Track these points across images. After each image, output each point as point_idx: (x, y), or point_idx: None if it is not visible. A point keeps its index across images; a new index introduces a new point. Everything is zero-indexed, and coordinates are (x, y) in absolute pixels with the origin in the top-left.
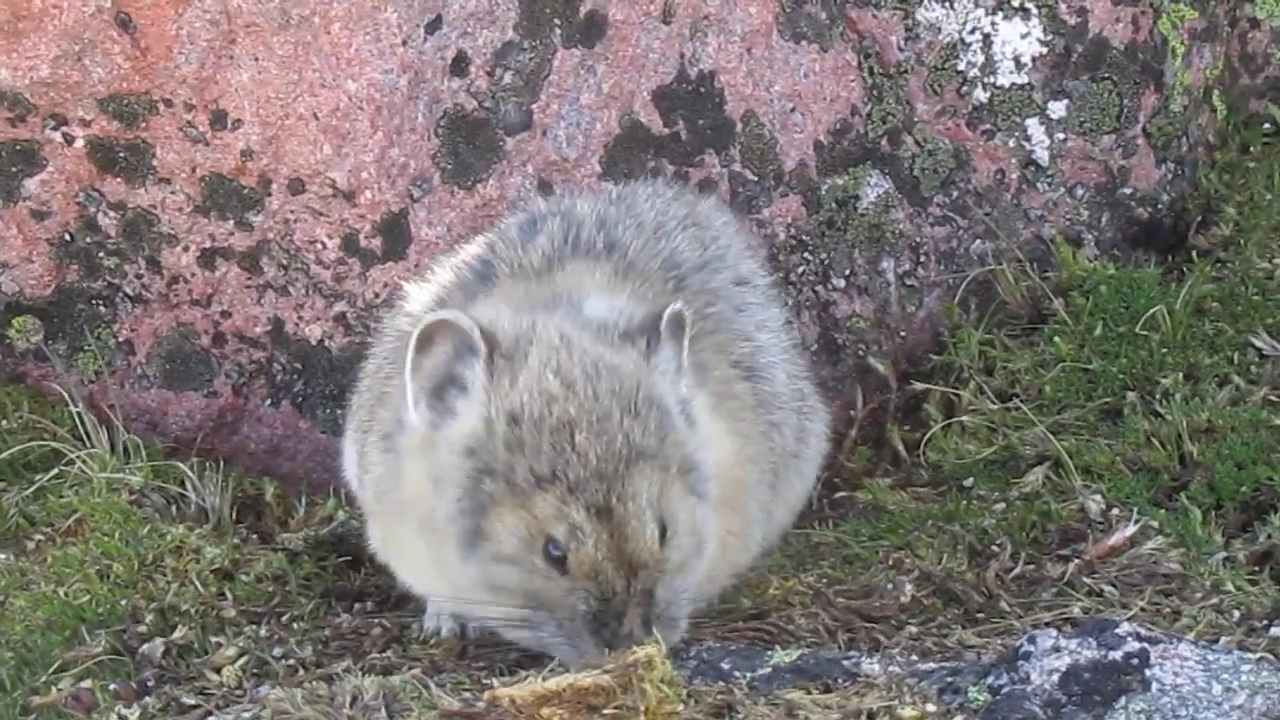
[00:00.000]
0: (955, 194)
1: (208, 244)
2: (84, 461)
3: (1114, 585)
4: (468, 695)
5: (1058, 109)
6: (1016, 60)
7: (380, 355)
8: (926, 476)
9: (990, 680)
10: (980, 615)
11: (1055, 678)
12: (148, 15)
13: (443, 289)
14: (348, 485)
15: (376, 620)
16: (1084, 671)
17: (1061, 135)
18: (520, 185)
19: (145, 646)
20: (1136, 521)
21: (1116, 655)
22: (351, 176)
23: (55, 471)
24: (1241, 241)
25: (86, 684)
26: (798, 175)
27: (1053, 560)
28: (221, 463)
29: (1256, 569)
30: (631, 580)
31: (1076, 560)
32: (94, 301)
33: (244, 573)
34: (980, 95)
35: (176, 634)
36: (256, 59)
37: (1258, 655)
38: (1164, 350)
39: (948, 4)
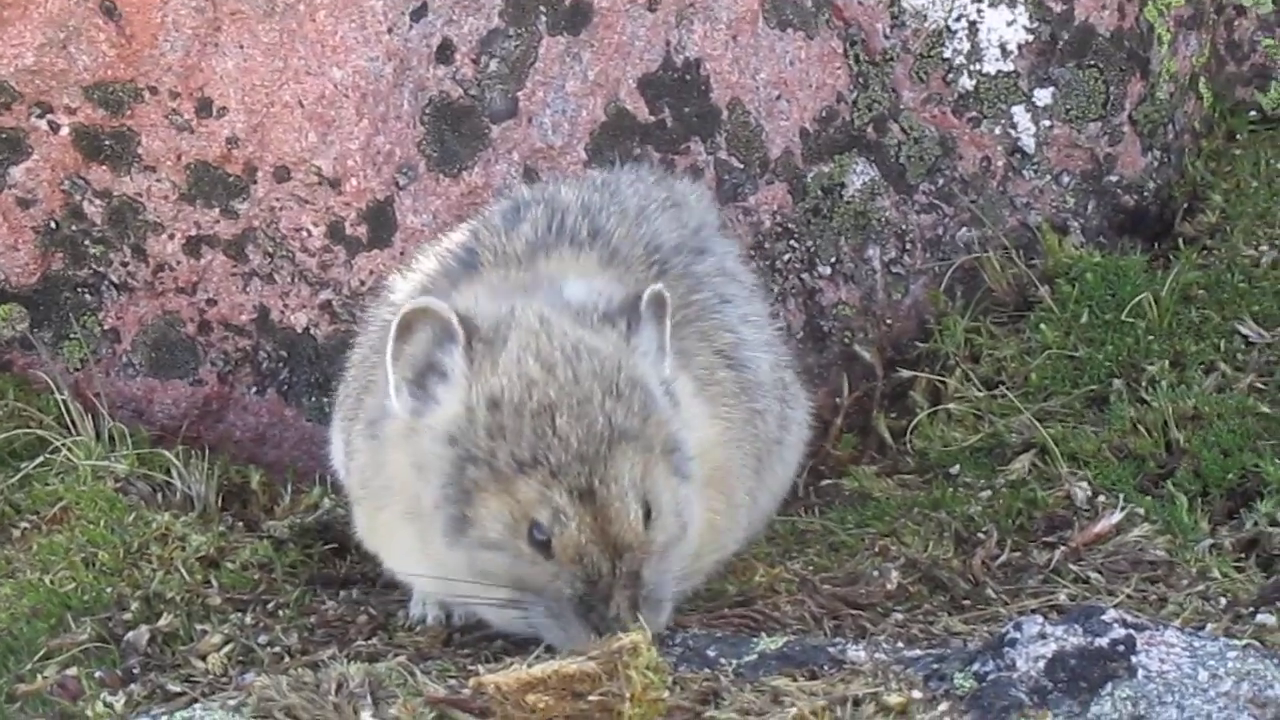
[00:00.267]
0: (941, 181)
1: (193, 232)
2: (69, 449)
3: (1100, 572)
4: (453, 682)
5: (1044, 96)
6: (1002, 47)
7: (366, 344)
8: (912, 464)
9: (976, 667)
10: (966, 602)
11: (1041, 664)
12: (133, 3)
13: (427, 278)
14: (335, 473)
15: (362, 607)
16: (1070, 658)
17: (1047, 123)
18: (506, 173)
19: (130, 634)
20: (1123, 509)
21: (1102, 642)
22: (337, 164)
23: (41, 459)
24: (1228, 229)
25: (72, 671)
26: (783, 163)
27: (1039, 547)
28: (207, 450)
29: (1242, 556)
30: (617, 562)
31: (1063, 547)
32: (79, 289)
33: (229, 560)
34: (966, 83)
35: (162, 621)
36: (242, 46)
37: (1244, 642)
38: (1150, 338)
39: None
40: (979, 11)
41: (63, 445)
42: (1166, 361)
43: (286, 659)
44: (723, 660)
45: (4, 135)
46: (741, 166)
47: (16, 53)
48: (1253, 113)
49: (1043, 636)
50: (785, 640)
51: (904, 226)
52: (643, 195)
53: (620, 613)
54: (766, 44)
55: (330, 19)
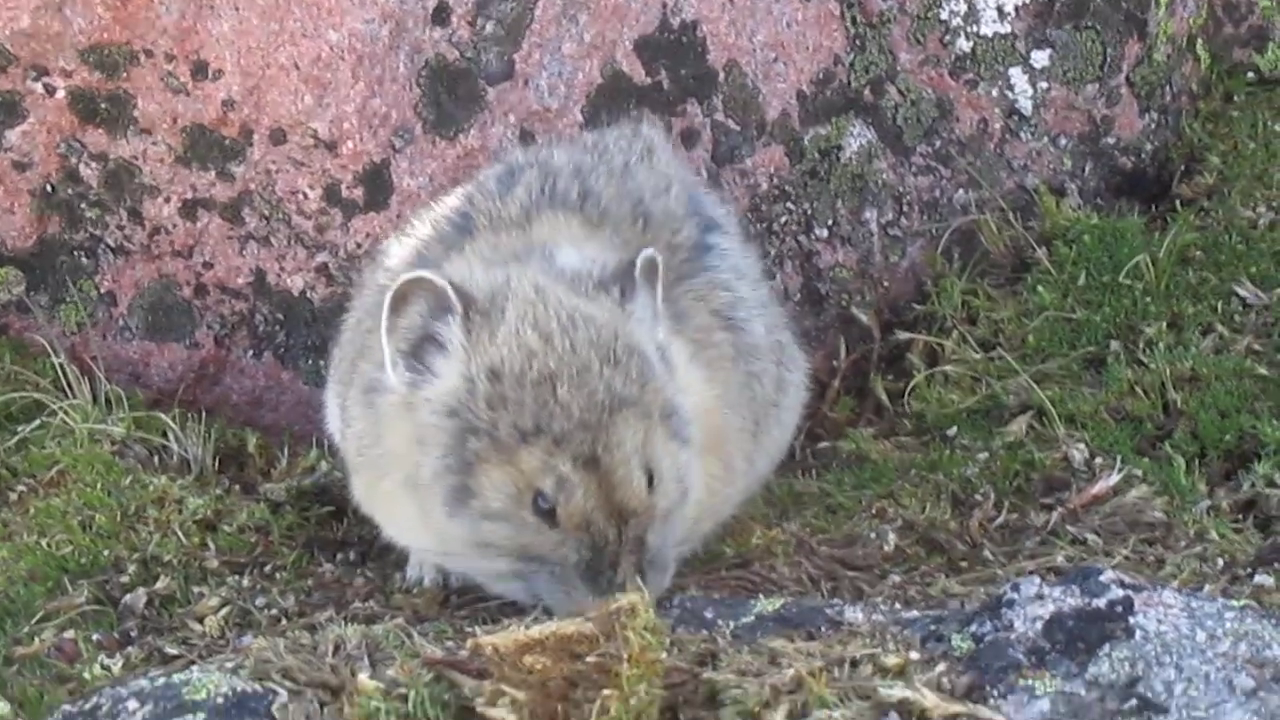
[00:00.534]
0: (938, 144)
1: (189, 195)
2: (66, 413)
3: (1097, 534)
4: (450, 644)
5: (1041, 58)
6: (999, 9)
7: (361, 309)
8: (910, 426)
9: (974, 628)
10: (963, 564)
11: (1039, 626)
12: None
13: (422, 242)
14: (331, 437)
15: (359, 570)
16: (1067, 619)
17: (1045, 85)
18: (502, 135)
19: (128, 597)
20: (1120, 470)
21: (1100, 603)
22: (333, 127)
23: (37, 423)
24: (1225, 190)
25: (69, 634)
26: (780, 125)
27: (1036, 509)
28: (204, 414)
29: (1240, 517)
30: (622, 528)
31: (1060, 509)
32: (76, 253)
33: (226, 523)
34: (963, 45)
35: (159, 584)
36: (237, 9)
37: (1241, 603)
38: (1147, 299)
39: None
40: None
41: (59, 408)
42: (1164, 323)
43: (284, 621)
44: (720, 622)
45: (0, 99)
46: (738, 129)
47: (12, 15)
48: (1250, 74)
49: (1040, 598)
50: (783, 602)
51: (901, 189)
52: (625, 150)
53: (627, 578)
54: (763, 6)
55: None
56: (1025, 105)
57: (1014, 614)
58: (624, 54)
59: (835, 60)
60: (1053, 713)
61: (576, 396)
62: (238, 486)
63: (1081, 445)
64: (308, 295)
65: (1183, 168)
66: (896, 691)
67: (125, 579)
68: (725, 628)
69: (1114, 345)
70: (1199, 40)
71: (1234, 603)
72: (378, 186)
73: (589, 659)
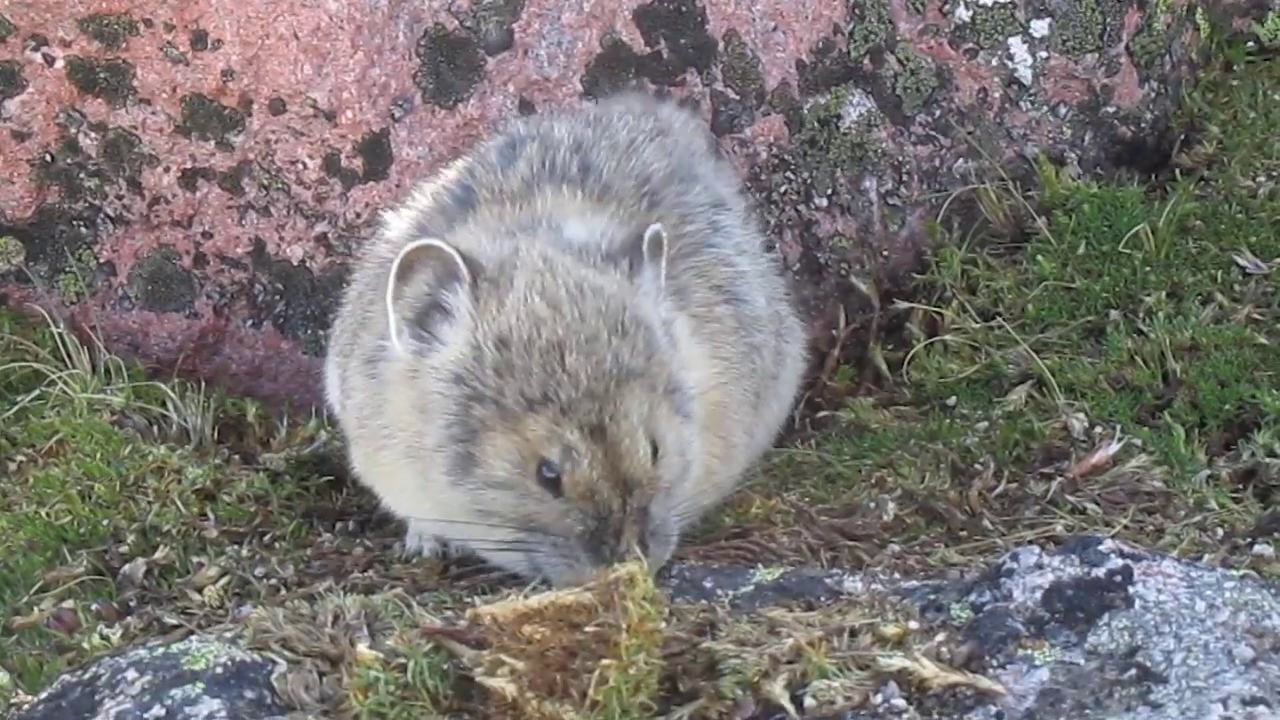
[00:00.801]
0: (938, 113)
1: (188, 165)
2: (65, 382)
3: (1097, 503)
4: (449, 614)
5: (1040, 27)
6: None
7: (362, 281)
8: (909, 395)
9: (973, 598)
10: (963, 533)
11: (1038, 595)
12: None
13: (423, 215)
14: (330, 408)
15: (358, 540)
16: (1067, 589)
17: (1044, 54)
18: (501, 105)
19: (127, 567)
20: (1120, 440)
21: (1099, 572)
22: (332, 96)
23: (37, 392)
24: (1225, 160)
25: (68, 604)
26: (780, 94)
27: (1036, 478)
28: (203, 383)
29: (1240, 487)
30: (627, 498)
31: (1059, 478)
32: (75, 223)
33: (226, 493)
34: (963, 14)
35: (158, 554)
36: None
37: (1241, 572)
38: (1147, 269)
39: None
40: None
41: (59, 378)
42: (1164, 292)
43: (283, 591)
44: (720, 591)
45: None
46: (738, 98)
47: None
48: (1250, 43)
49: (1039, 567)
50: (782, 572)
51: (900, 158)
52: (632, 127)
53: (630, 548)
54: None
55: None
56: (1025, 74)
57: (1013, 583)
58: (623, 23)
59: (835, 29)
60: (1052, 682)
61: (584, 365)
62: (237, 456)
63: (1081, 415)
64: (307, 265)
65: (1182, 137)
66: (896, 661)
67: (124, 549)
68: (724, 597)
69: (1113, 314)
70: (1199, 9)
71: (1233, 572)
72: (377, 156)
73: (588, 629)
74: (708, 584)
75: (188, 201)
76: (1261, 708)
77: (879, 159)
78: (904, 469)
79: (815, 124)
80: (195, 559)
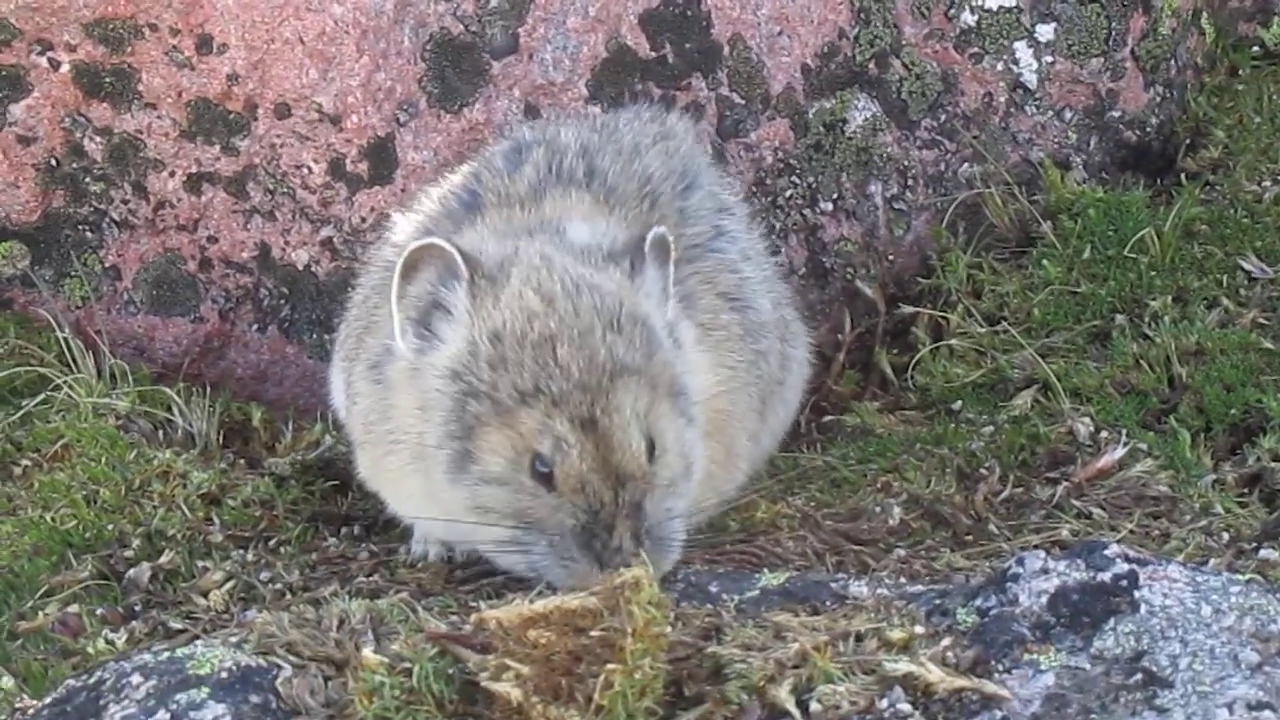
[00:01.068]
0: (943, 117)
1: (194, 169)
2: (71, 387)
3: (1103, 508)
4: (454, 618)
5: (1046, 32)
6: None
7: (367, 286)
8: (915, 400)
9: (978, 602)
10: (968, 538)
11: (1044, 599)
12: None
13: (429, 219)
14: (335, 412)
15: (363, 544)
16: (1072, 593)
17: (1049, 58)
18: (507, 109)
19: (132, 571)
20: (1125, 444)
21: (1105, 577)
22: (338, 101)
23: (42, 397)
24: (1230, 164)
25: (73, 609)
26: (785, 99)
27: (1041, 483)
28: (208, 388)
29: (1245, 491)
30: (619, 491)
31: (1065, 483)
32: (80, 227)
33: (231, 497)
34: (968, 18)
35: (163, 559)
36: None
37: (1246, 577)
38: (1153, 273)
39: None
40: None
41: (64, 383)
42: (1169, 297)
43: (288, 596)
44: (725, 596)
45: (4, 72)
46: (743, 103)
47: None
48: (1255, 48)
49: (1045, 572)
50: (787, 576)
51: (906, 162)
52: (637, 132)
53: (623, 543)
54: None
55: None
56: (1030, 79)
57: (1019, 588)
58: (629, 27)
59: (840, 34)
60: (1057, 687)
61: (576, 358)
62: (242, 461)
63: (1087, 419)
64: (312, 269)
65: (1188, 141)
66: (901, 665)
67: (129, 553)
68: (730, 602)
69: (1119, 319)
70: (1204, 13)
71: (1239, 577)
72: (382, 160)
73: (593, 633)
74: (713, 588)
75: (193, 206)
76: (1267, 712)
77: (884, 163)
78: (909, 473)
79: (820, 128)
80: (200, 563)
